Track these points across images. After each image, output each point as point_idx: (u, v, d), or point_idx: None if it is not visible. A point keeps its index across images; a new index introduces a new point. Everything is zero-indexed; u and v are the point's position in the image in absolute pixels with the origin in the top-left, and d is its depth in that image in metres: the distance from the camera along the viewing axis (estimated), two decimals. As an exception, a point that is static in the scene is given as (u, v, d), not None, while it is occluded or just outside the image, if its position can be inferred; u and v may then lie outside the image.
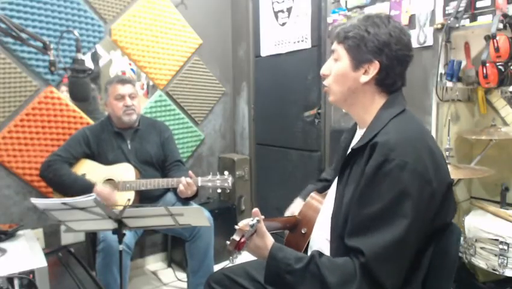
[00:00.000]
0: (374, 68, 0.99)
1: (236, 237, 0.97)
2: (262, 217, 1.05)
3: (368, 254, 0.87)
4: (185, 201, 2.09)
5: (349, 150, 1.06)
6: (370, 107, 1.04)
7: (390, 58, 0.98)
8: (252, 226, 0.98)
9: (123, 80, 2.14)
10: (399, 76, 1.02)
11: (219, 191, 2.01)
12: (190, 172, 2.00)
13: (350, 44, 1.01)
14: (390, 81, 1.01)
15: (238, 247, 0.98)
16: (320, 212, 1.25)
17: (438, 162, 0.94)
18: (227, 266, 1.41)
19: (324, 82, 1.09)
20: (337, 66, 1.05)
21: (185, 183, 1.93)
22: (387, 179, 0.89)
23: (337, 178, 1.11)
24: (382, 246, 0.87)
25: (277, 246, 1.01)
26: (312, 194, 1.37)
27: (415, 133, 0.96)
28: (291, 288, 0.96)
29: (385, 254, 0.87)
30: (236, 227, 1.00)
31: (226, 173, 2.01)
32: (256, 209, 1.03)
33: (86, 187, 1.94)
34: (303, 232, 1.28)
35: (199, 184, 1.98)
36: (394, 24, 1.00)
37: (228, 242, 0.98)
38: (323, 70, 1.09)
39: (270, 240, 1.02)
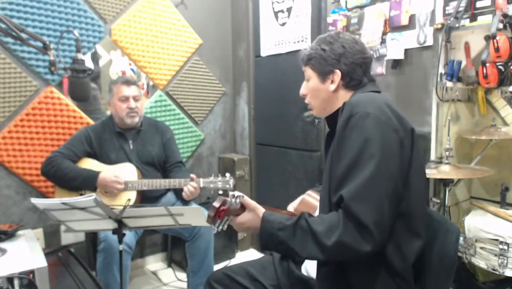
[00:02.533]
0: (337, 76, 1.15)
1: (216, 204, 1.02)
2: (244, 194, 1.11)
3: (346, 197, 0.94)
4: (186, 201, 2.09)
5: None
6: None
7: (348, 64, 1.14)
8: (234, 196, 1.04)
9: (128, 82, 2.15)
10: (363, 76, 1.16)
11: (220, 192, 2.03)
12: (193, 175, 2.01)
13: (313, 63, 1.19)
14: (355, 82, 1.16)
15: (219, 214, 1.02)
16: (316, 209, 1.26)
17: (399, 114, 1.04)
18: (228, 265, 1.42)
19: (306, 101, 1.25)
20: (309, 84, 1.22)
21: (188, 191, 1.96)
22: (353, 131, 0.99)
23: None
24: (356, 187, 0.94)
25: (269, 212, 1.09)
26: (309, 191, 1.39)
27: (376, 95, 1.10)
28: (285, 246, 1.02)
29: (360, 193, 0.93)
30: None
31: (227, 174, 2.03)
32: (237, 191, 1.10)
33: (91, 177, 1.95)
34: None
35: (201, 185, 2.00)
36: (345, 37, 1.17)
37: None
38: (301, 91, 1.26)
39: (261, 209, 1.09)
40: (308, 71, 1.21)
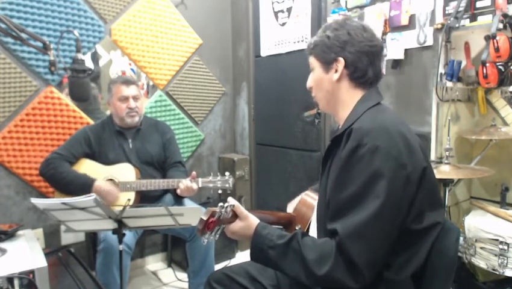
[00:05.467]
0: (340, 64, 1.07)
1: (204, 216, 1.00)
2: (236, 202, 1.09)
3: (342, 233, 0.92)
4: (180, 198, 2.09)
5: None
6: (349, 103, 1.10)
7: (353, 53, 1.06)
8: (222, 207, 1.01)
9: (127, 82, 2.14)
10: (369, 68, 1.08)
11: (220, 192, 2.02)
12: (194, 173, 2.00)
13: (317, 51, 1.12)
14: (360, 74, 1.08)
15: (208, 226, 1.01)
16: (314, 209, 1.26)
17: (412, 147, 0.98)
18: (228, 265, 1.42)
19: (312, 94, 1.19)
20: (313, 75, 1.15)
21: (184, 187, 1.95)
22: (360, 163, 0.94)
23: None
24: (355, 225, 0.91)
25: (262, 224, 1.07)
26: (307, 191, 1.39)
27: (388, 120, 1.01)
28: (274, 264, 1.01)
29: (357, 233, 0.91)
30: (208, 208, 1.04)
31: (227, 173, 2.02)
32: (230, 198, 1.09)
33: (86, 184, 1.95)
34: (297, 228, 1.29)
35: (200, 185, 1.99)
36: (352, 24, 1.09)
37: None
38: (307, 84, 1.19)
39: (254, 220, 1.08)
40: (312, 61, 1.14)
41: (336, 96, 1.11)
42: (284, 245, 0.99)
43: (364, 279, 0.91)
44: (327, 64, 1.10)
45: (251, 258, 1.06)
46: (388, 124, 0.98)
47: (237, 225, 1.07)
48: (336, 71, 1.09)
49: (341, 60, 1.07)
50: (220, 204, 1.02)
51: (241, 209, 1.07)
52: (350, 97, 1.10)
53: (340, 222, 0.93)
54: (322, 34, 1.11)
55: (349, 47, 1.06)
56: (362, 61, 1.07)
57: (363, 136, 0.94)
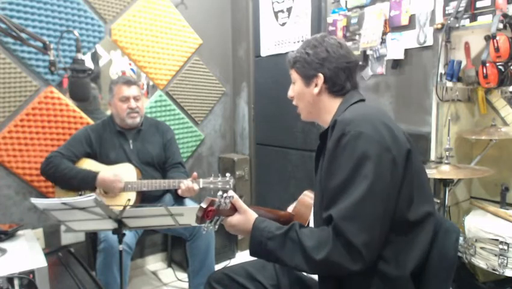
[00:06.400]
0: (320, 80, 1.15)
1: (203, 204, 1.02)
2: (235, 195, 1.10)
3: (336, 217, 0.94)
4: (180, 198, 2.09)
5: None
6: (331, 108, 1.17)
7: (331, 69, 1.14)
8: (222, 196, 1.03)
9: (128, 82, 2.14)
10: (347, 82, 1.16)
11: (220, 192, 2.03)
12: (195, 174, 2.00)
13: (298, 66, 1.20)
14: (338, 87, 1.16)
15: (206, 214, 1.02)
16: (312, 208, 1.26)
17: (394, 132, 1.01)
18: (228, 265, 1.42)
19: (293, 103, 1.27)
20: (295, 88, 1.23)
21: (186, 187, 1.95)
22: (345, 150, 0.97)
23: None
24: (347, 207, 0.94)
25: (260, 218, 1.09)
26: (306, 191, 1.40)
27: (371, 111, 1.06)
28: (273, 256, 1.02)
29: (349, 214, 0.93)
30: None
31: (227, 174, 2.03)
32: (231, 190, 1.11)
33: (89, 176, 1.96)
34: None
35: (201, 186, 2.00)
36: (329, 42, 1.16)
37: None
38: (289, 94, 1.27)
39: (253, 214, 1.09)
40: (294, 75, 1.22)
41: (317, 106, 1.19)
42: (282, 235, 1.00)
43: (363, 260, 0.92)
44: (308, 78, 1.17)
45: (250, 253, 1.06)
46: (370, 114, 1.04)
47: (235, 218, 1.08)
48: (316, 85, 1.16)
49: (321, 76, 1.14)
50: (219, 193, 1.04)
51: (240, 202, 1.09)
52: (331, 105, 1.17)
53: (333, 208, 0.96)
54: (302, 50, 1.18)
55: (327, 63, 1.14)
56: (340, 77, 1.14)
57: (346, 126, 0.99)
